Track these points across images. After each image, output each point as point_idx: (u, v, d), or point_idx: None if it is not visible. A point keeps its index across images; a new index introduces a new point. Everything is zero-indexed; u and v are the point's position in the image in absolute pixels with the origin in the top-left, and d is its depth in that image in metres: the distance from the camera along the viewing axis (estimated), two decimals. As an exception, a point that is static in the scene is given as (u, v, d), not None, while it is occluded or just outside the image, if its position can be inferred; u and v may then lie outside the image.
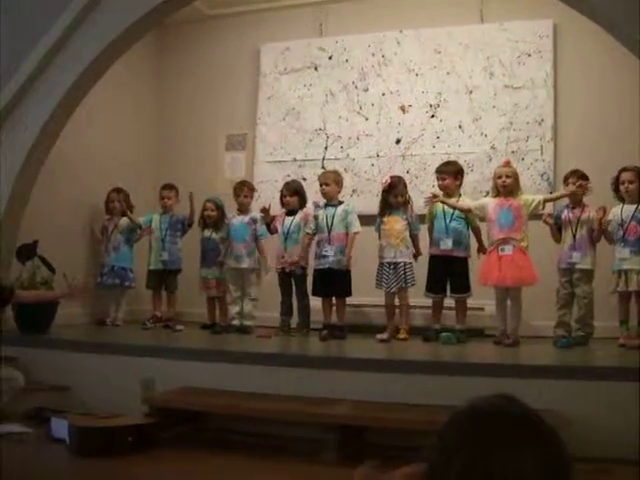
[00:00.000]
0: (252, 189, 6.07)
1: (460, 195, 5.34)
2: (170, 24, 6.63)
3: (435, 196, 5.24)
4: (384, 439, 3.56)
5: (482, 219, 5.23)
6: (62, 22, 4.96)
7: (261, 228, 5.84)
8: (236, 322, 5.81)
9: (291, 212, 5.66)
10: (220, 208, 6.00)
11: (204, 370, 4.23)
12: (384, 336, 5.13)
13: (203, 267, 5.97)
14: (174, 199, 6.26)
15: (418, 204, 5.52)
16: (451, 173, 5.32)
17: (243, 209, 5.94)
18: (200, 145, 7.03)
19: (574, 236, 5.03)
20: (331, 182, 5.53)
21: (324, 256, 5.39)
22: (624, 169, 4.97)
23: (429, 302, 5.31)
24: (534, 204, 5.06)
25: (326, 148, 6.61)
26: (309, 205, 5.70)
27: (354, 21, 6.60)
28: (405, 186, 5.40)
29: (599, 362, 4.60)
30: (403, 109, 6.41)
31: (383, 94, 6.47)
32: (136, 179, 6.61)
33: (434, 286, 5.24)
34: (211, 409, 3.94)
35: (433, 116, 6.31)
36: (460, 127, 6.21)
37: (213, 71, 7.09)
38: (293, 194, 5.67)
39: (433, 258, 5.28)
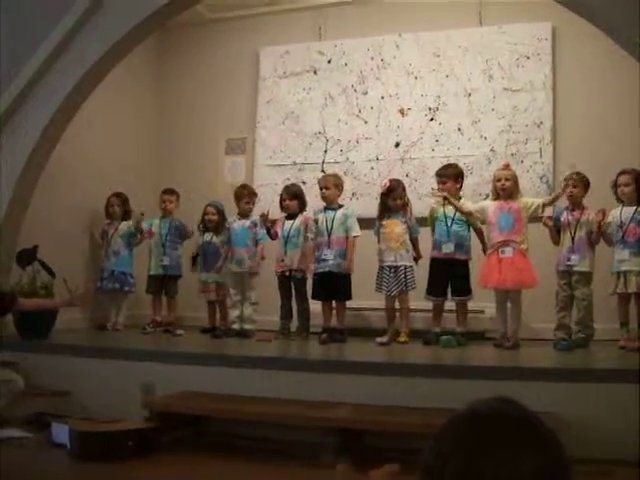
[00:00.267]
0: (253, 194, 6.06)
1: (460, 198, 5.34)
2: (170, 27, 6.64)
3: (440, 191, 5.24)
4: (384, 442, 3.56)
5: (483, 222, 5.23)
6: (63, 26, 4.96)
7: (261, 232, 5.85)
8: (236, 326, 5.81)
9: (291, 216, 5.67)
10: (221, 212, 6.00)
11: (204, 374, 4.23)
12: (384, 339, 5.12)
13: (203, 271, 5.97)
14: (175, 203, 6.26)
15: (417, 207, 5.53)
16: (451, 176, 5.32)
17: (244, 213, 5.95)
18: (200, 149, 7.04)
19: (573, 238, 5.03)
20: (331, 186, 5.53)
21: (324, 260, 5.39)
22: (622, 172, 4.98)
23: (429, 305, 5.30)
24: (533, 207, 5.07)
25: (326, 151, 6.62)
26: (309, 209, 5.70)
27: (353, 25, 6.60)
28: (404, 189, 5.40)
29: (599, 364, 4.60)
30: (402, 112, 6.41)
31: (382, 97, 6.48)
32: (136, 183, 6.61)
33: (435, 289, 5.23)
34: (211, 413, 3.94)
35: (432, 119, 6.32)
36: (459, 130, 6.22)
37: (213, 74, 7.09)
38: (293, 198, 5.66)
39: (434, 261, 5.28)
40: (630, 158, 5.17)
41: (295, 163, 6.70)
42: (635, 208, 4.91)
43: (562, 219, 5.13)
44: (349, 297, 5.43)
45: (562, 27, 5.95)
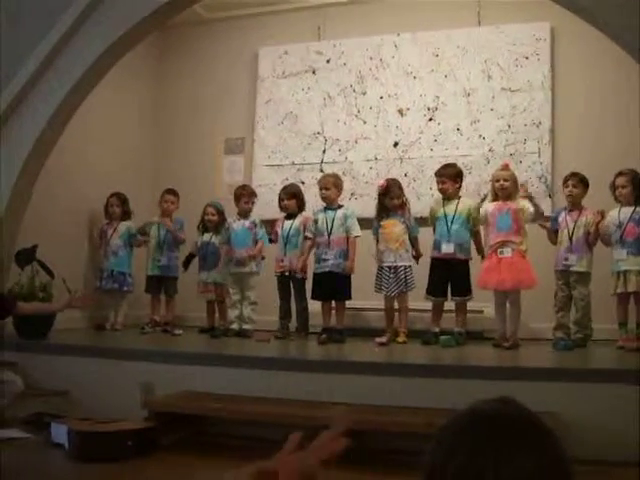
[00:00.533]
0: (253, 194, 6.06)
1: (460, 198, 5.34)
2: (170, 27, 6.63)
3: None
4: (383, 442, 3.56)
5: (483, 223, 5.23)
6: (62, 24, 4.94)
7: (260, 231, 5.86)
8: (235, 326, 5.81)
9: (290, 216, 5.67)
10: (220, 212, 6.00)
11: (203, 374, 4.23)
12: (383, 339, 5.12)
13: (203, 271, 5.97)
14: (176, 204, 6.26)
15: (416, 207, 5.53)
16: (451, 176, 5.31)
17: (244, 214, 5.95)
18: (198, 149, 7.03)
19: (570, 238, 5.04)
20: (331, 186, 5.52)
21: (324, 260, 5.39)
22: (619, 173, 4.98)
23: (428, 305, 5.30)
24: (526, 214, 5.05)
25: (324, 151, 6.62)
26: (308, 209, 5.70)
27: (352, 25, 6.61)
28: (400, 188, 5.38)
29: (598, 364, 4.61)
30: (401, 112, 6.42)
31: (381, 97, 6.48)
32: (134, 183, 6.61)
33: (435, 289, 5.22)
34: (210, 413, 3.94)
35: (431, 119, 6.32)
36: (458, 130, 6.22)
37: (211, 74, 7.10)
38: (291, 198, 5.67)
39: (434, 261, 5.27)
40: (629, 158, 5.18)
41: (294, 163, 6.70)
42: (633, 208, 4.91)
43: (560, 219, 5.14)
44: (349, 297, 5.43)
45: (561, 27, 5.95)
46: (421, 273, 5.29)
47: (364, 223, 5.50)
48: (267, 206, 6.22)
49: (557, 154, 5.95)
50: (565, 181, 5.17)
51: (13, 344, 4.66)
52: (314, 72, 6.74)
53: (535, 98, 6.04)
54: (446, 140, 6.24)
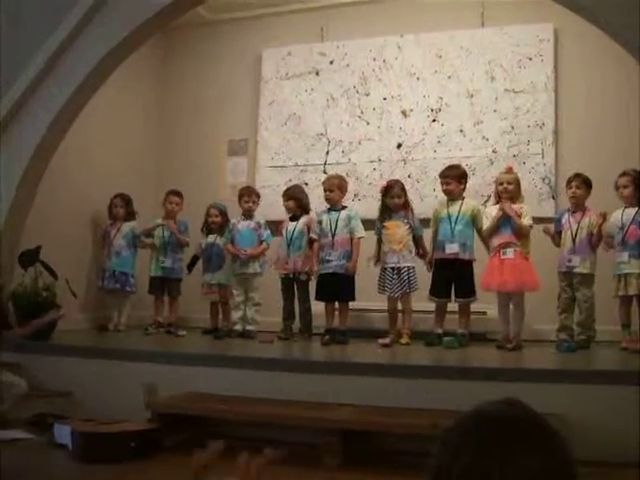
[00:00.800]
0: (257, 195, 6.07)
1: (464, 198, 5.33)
2: (173, 29, 6.64)
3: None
4: (387, 444, 3.56)
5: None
6: (66, 25, 4.96)
7: (265, 232, 5.87)
8: (238, 327, 5.81)
9: (294, 218, 5.68)
10: (224, 214, 6.01)
11: (207, 375, 4.23)
12: (386, 341, 5.11)
13: (207, 272, 5.97)
14: (180, 206, 6.26)
15: (419, 208, 5.53)
16: (455, 177, 5.31)
17: (248, 215, 5.96)
18: (202, 150, 7.04)
19: (574, 240, 5.03)
20: (335, 188, 5.52)
21: (328, 261, 5.39)
22: (622, 174, 4.97)
23: (430, 306, 5.30)
24: (524, 222, 5.04)
25: (327, 153, 6.62)
26: (312, 213, 5.71)
27: (355, 26, 6.61)
28: (402, 188, 5.37)
29: (601, 366, 4.60)
30: (404, 113, 6.42)
31: (384, 99, 6.49)
32: (138, 184, 6.62)
33: (438, 290, 5.21)
34: (214, 414, 3.93)
35: (434, 120, 6.32)
36: (461, 131, 6.22)
37: (215, 76, 7.11)
38: (289, 199, 5.69)
39: (438, 262, 5.27)
40: (632, 159, 5.17)
41: (297, 164, 6.70)
42: (636, 210, 4.89)
43: (563, 221, 5.13)
44: (352, 298, 5.42)
45: (564, 28, 5.95)
46: (424, 274, 5.29)
47: (368, 224, 5.50)
48: (271, 207, 6.24)
49: (560, 155, 5.95)
50: (568, 182, 5.16)
51: (16, 345, 4.66)
52: (317, 73, 6.75)
53: (538, 99, 6.03)
54: (449, 141, 6.24)
